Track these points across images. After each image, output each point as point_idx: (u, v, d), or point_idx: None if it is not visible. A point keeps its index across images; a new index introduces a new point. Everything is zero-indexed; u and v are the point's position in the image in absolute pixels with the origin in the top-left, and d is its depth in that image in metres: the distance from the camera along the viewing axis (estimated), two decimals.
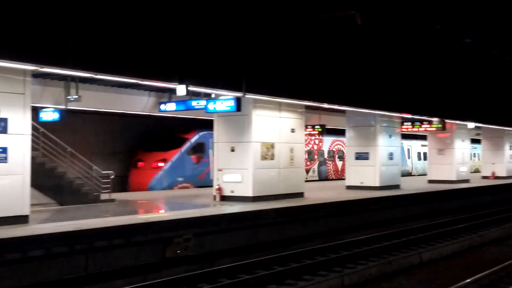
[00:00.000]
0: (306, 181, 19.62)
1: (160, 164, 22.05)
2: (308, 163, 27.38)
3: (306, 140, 20.90)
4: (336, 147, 31.15)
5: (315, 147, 29.59)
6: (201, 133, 23.39)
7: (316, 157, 29.61)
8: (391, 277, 10.86)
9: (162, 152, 21.89)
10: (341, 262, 11.49)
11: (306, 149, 20.54)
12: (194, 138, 23.36)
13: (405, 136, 30.59)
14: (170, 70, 11.58)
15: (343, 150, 28.49)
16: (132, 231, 10.66)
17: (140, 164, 22.39)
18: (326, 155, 30.48)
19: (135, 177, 22.18)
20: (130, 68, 10.85)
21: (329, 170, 30.72)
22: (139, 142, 23.79)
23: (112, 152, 23.43)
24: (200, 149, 23.32)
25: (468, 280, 9.65)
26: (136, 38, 10.89)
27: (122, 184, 21.64)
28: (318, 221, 15.14)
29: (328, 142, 30.43)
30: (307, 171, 26.07)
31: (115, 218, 11.80)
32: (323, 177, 29.91)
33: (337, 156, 31.16)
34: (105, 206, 14.71)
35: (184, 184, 22.64)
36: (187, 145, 23.06)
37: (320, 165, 29.94)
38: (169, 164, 22.29)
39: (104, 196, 15.86)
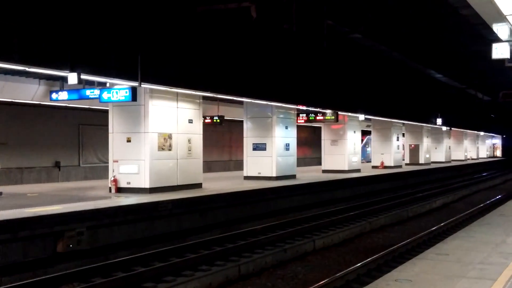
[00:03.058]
0: None
1: None
2: None
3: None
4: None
5: None
6: (367, 137, 42.30)
7: None
8: (286, 265, 11.14)
9: None
10: (238, 252, 11.63)
11: None
12: (365, 139, 42.73)
13: None
14: (61, 57, 11.05)
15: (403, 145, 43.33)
16: (19, 225, 10.13)
17: None
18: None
19: None
20: (15, 53, 10.22)
21: None
22: None
23: None
24: (367, 144, 43.56)
25: (358, 265, 10.12)
26: (23, 20, 10.27)
27: None
28: (216, 211, 15.21)
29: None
30: None
31: (0, 212, 11.14)
32: None
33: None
34: None
35: (363, 161, 37.48)
36: (364, 142, 41.58)
37: None
38: None
39: None
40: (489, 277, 6.54)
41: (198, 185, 17.06)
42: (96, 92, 15.27)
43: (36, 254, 10.39)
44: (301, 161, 32.78)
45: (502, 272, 6.77)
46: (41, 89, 18.85)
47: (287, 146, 22.06)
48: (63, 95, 16.74)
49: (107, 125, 16.16)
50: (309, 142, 40.33)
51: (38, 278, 9.21)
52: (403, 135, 37.79)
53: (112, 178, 15.65)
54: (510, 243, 8.71)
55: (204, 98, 18.27)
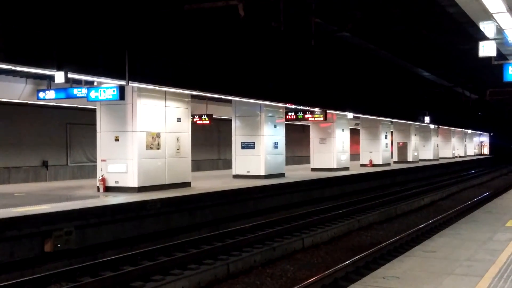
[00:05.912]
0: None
1: None
2: None
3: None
4: None
5: None
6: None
7: None
8: (275, 263, 11.16)
9: None
10: (226, 250, 11.63)
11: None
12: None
13: None
14: (48, 56, 10.97)
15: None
16: (5, 225, 10.05)
17: None
18: None
19: None
20: (1, 52, 10.13)
21: None
22: None
23: None
24: None
25: (346, 262, 10.16)
26: (8, 18, 10.19)
27: None
28: (204, 210, 15.19)
29: None
30: None
31: None
32: None
33: None
34: None
35: None
36: None
37: None
38: None
39: None
40: (476, 273, 6.58)
41: (187, 184, 17.03)
42: (84, 91, 15.21)
43: (24, 254, 10.32)
44: (290, 160, 32.88)
45: (489, 269, 6.82)
46: (28, 88, 18.73)
47: (275, 145, 22.07)
48: (50, 94, 16.65)
49: (95, 124, 16.09)
50: (298, 141, 40.22)
51: (26, 278, 9.15)
52: (392, 133, 37.88)
53: (100, 177, 15.58)
54: (496, 240, 8.77)
55: (193, 96, 18.23)
